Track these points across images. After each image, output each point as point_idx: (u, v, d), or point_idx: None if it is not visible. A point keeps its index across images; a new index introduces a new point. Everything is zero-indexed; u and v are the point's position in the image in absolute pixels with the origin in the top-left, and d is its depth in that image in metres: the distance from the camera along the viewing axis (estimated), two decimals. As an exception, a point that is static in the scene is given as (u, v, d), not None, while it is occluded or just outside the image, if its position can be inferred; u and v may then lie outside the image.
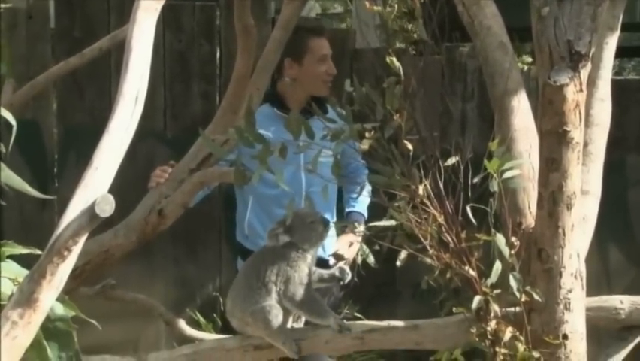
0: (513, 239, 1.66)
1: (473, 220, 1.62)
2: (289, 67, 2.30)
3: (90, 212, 0.98)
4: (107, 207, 0.97)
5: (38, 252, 1.11)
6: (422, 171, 1.65)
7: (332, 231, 1.97)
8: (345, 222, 2.22)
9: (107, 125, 1.12)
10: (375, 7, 1.72)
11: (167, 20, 3.09)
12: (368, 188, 2.16)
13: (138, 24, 1.18)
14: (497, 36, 1.87)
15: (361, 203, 2.36)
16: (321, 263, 2.09)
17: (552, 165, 1.59)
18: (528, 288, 1.63)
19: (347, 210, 2.36)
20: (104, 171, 1.04)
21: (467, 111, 3.08)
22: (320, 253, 2.06)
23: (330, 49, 2.38)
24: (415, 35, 1.80)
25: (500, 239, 1.62)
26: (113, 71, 3.06)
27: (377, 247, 1.71)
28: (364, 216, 2.33)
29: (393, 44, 1.79)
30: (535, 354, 1.62)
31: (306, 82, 2.32)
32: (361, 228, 2.21)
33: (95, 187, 1.03)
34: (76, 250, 1.01)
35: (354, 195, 2.33)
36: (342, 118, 1.70)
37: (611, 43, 2.04)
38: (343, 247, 2.25)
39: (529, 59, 2.84)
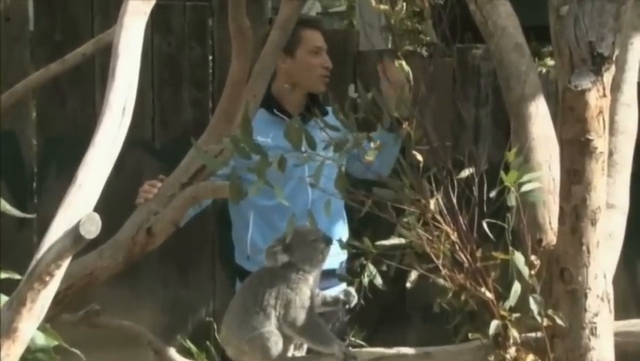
0: (533, 258, 1.66)
1: (491, 236, 1.62)
2: (282, 61, 2.33)
3: (74, 233, 0.99)
4: (92, 228, 0.98)
5: (17, 276, 1.12)
6: (433, 184, 1.66)
7: (336, 248, 1.97)
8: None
9: (91, 136, 1.13)
10: (381, 7, 1.73)
11: (156, 22, 3.11)
12: None
13: (125, 29, 1.20)
14: (513, 37, 1.88)
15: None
16: (328, 275, 2.09)
17: (574, 176, 1.59)
18: (550, 311, 1.62)
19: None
20: (89, 189, 1.05)
21: (481, 118, 3.09)
22: (329, 265, 2.05)
23: (325, 43, 2.40)
24: (424, 37, 1.81)
25: (519, 258, 1.62)
26: (98, 77, 3.08)
27: (385, 267, 1.71)
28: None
29: (401, 46, 1.80)
30: (559, 383, 1.62)
31: (300, 76, 2.34)
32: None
33: (79, 206, 1.04)
34: (59, 274, 1.02)
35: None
36: (346, 126, 1.71)
37: (637, 43, 2.05)
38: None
39: (551, 62, 2.85)
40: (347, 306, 1.91)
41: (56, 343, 1.18)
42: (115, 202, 1.99)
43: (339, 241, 1.82)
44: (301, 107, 2.35)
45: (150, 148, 3.13)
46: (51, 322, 1.25)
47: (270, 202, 2.22)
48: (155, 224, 1.95)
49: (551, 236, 1.72)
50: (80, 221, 0.99)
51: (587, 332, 1.64)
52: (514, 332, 1.64)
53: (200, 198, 1.99)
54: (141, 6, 1.21)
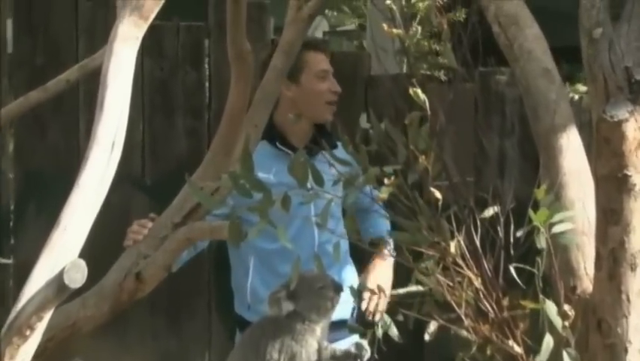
0: (566, 307, 1.66)
1: (519, 283, 1.62)
2: (286, 89, 2.36)
3: (58, 282, 1.00)
4: (77, 276, 0.99)
5: (-6, 329, 1.13)
6: (454, 225, 1.67)
7: (347, 295, 1.97)
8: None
9: (74, 171, 1.15)
10: (394, 31, 1.76)
11: (147, 43, 3.13)
12: (383, 212, 2.22)
13: (115, 55, 1.22)
14: (541, 62, 1.90)
15: (378, 227, 2.37)
16: (338, 325, 2.09)
17: (611, 216, 1.59)
18: (586, 367, 1.62)
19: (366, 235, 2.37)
20: (74, 233, 1.06)
21: (506, 150, 3.10)
22: (339, 315, 2.05)
23: (330, 67, 2.44)
24: (442, 60, 1.84)
25: (551, 307, 1.62)
26: (83, 107, 3.11)
27: (401, 317, 1.72)
28: (388, 227, 2.33)
29: (417, 72, 1.82)
30: None
31: (307, 104, 2.37)
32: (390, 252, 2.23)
33: (63, 251, 1.05)
34: (41, 327, 1.03)
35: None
36: (357, 160, 1.72)
37: (678, 68, 2.07)
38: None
39: (584, 88, 2.88)
40: (359, 360, 1.91)
41: (35, 403, 1.18)
42: (100, 244, 2.00)
43: (350, 288, 1.82)
44: (307, 139, 2.37)
45: (139, 184, 3.15)
46: (29, 379, 1.25)
47: (272, 245, 2.23)
48: (145, 269, 1.96)
49: (587, 283, 1.72)
50: (64, 268, 1.01)
51: (629, 391, 1.63)
52: (546, 391, 1.63)
53: (195, 239, 2.00)
54: (132, 31, 1.24)
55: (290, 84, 2.37)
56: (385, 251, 2.27)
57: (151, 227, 2.04)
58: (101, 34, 3.03)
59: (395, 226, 1.72)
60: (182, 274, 2.33)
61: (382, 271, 2.28)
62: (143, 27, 1.25)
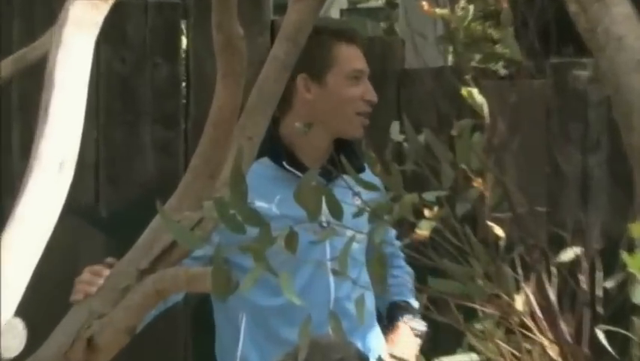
0: (674, 384, 1.66)
1: (610, 350, 1.63)
2: (304, 88, 2.36)
3: (-13, 350, 1.00)
4: (14, 342, 1.00)
5: None
6: (520, 271, 1.67)
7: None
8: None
9: (7, 201, 1.16)
10: (437, 10, 1.77)
11: (104, 27, 3.16)
12: (408, 270, 2.29)
13: (65, 46, 1.23)
14: (634, 51, 1.90)
15: (401, 287, 2.41)
16: None
17: None
18: None
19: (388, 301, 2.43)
20: (10, 283, 1.07)
21: (591, 169, 3.11)
22: None
23: (367, 66, 2.44)
24: (501, 49, 1.85)
25: (653, 384, 1.62)
26: (16, 113, 3.13)
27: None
28: (415, 307, 2.38)
29: (468, 65, 1.83)
30: None
31: (331, 113, 2.37)
32: (421, 325, 2.28)
33: (-7, 308, 1.06)
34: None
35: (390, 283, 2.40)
36: (387, 184, 1.73)
37: None
38: None
39: None
40: None
41: None
42: (39, 299, 2.01)
43: (379, 359, 1.83)
44: (325, 158, 2.37)
45: (92, 215, 3.16)
46: None
47: (271, 301, 2.24)
48: (100, 332, 1.96)
49: (702, 350, 1.72)
50: (-5, 331, 1.01)
51: None
52: None
53: (167, 292, 2.01)
54: (89, 13, 1.25)
55: (310, 83, 2.37)
56: (411, 323, 2.33)
57: (108, 275, 2.05)
58: (41, 19, 3.07)
59: (435, 273, 1.72)
60: (150, 336, 2.34)
61: (407, 344, 2.30)
62: (104, 9, 1.26)
